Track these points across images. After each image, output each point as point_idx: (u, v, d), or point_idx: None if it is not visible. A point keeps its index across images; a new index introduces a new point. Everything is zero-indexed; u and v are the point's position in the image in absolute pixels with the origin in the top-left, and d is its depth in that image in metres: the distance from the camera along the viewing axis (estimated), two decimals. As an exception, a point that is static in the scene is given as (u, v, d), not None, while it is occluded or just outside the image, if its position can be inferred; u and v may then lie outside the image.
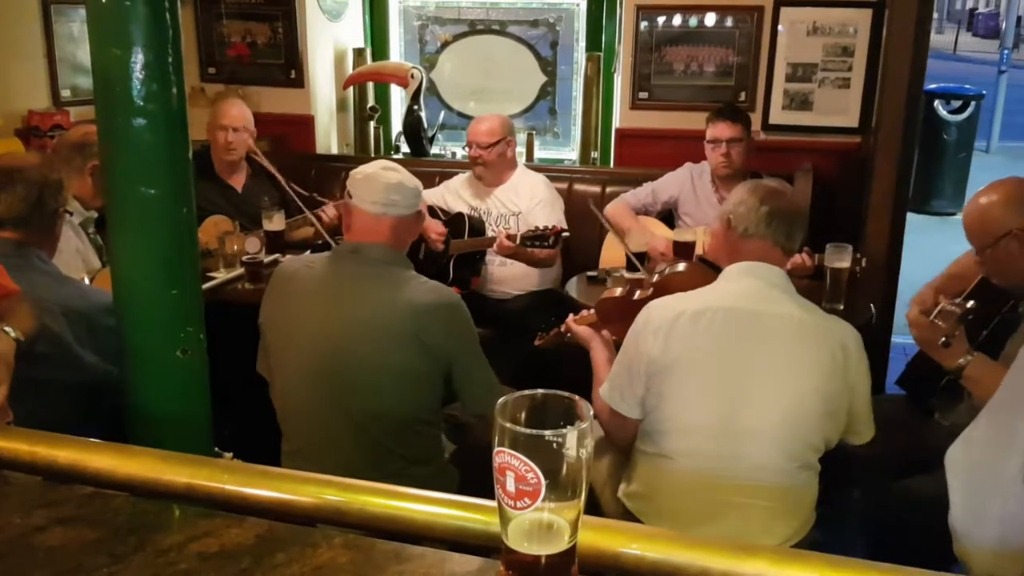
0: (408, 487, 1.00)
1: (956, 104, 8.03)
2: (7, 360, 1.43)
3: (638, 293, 2.35)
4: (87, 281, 2.67)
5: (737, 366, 1.95)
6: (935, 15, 4.84)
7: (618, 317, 2.27)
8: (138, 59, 1.37)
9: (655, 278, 2.40)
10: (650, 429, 2.03)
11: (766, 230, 2.04)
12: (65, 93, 4.06)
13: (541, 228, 3.26)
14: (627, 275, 2.94)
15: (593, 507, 2.23)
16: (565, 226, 3.42)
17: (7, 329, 1.50)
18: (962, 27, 26.66)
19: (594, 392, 2.17)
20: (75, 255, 2.80)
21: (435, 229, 3.46)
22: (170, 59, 1.40)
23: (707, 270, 2.25)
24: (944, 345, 2.06)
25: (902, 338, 3.79)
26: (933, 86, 7.82)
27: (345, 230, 2.21)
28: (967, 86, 8.37)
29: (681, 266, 2.46)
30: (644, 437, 2.06)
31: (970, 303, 2.07)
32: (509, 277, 3.65)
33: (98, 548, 0.90)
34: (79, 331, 2.06)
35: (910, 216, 3.80)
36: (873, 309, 3.02)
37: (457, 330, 2.15)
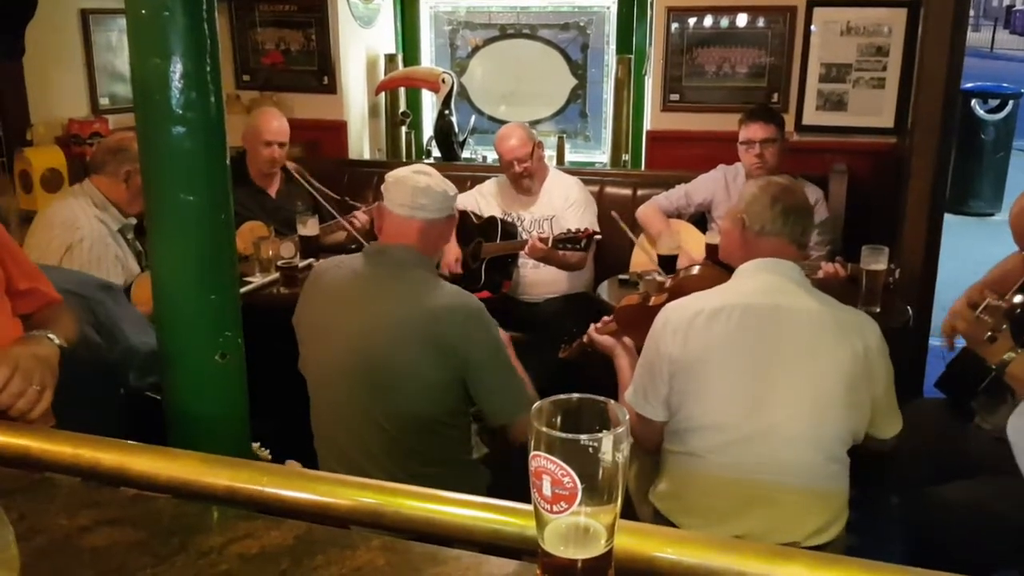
0: (429, 487, 1.01)
1: (993, 103, 7.90)
2: (52, 366, 1.46)
3: (653, 299, 2.39)
4: (121, 283, 2.71)
5: (758, 362, 1.95)
6: (971, 12, 4.76)
7: (637, 323, 2.29)
8: (177, 68, 1.39)
9: (668, 283, 2.44)
10: (676, 428, 2.03)
11: (782, 227, 2.06)
12: (104, 101, 4.14)
13: (573, 231, 3.27)
14: (659, 278, 2.94)
15: (628, 512, 2.22)
16: (597, 228, 3.42)
17: (51, 336, 1.53)
18: (999, 24, 26.17)
19: (620, 399, 2.17)
20: (115, 262, 2.85)
21: (453, 253, 3.49)
22: (208, 68, 1.42)
23: (720, 270, 2.28)
24: (989, 340, 2.05)
25: (940, 340, 3.73)
26: (970, 85, 7.70)
27: (378, 232, 2.25)
28: (1005, 85, 8.24)
29: (695, 269, 2.49)
30: (671, 437, 2.06)
31: (1017, 298, 2.06)
32: (541, 281, 3.65)
33: (142, 549, 0.92)
34: (82, 312, 2.07)
35: (947, 217, 3.74)
36: (910, 311, 2.98)
37: (473, 336, 2.10)
